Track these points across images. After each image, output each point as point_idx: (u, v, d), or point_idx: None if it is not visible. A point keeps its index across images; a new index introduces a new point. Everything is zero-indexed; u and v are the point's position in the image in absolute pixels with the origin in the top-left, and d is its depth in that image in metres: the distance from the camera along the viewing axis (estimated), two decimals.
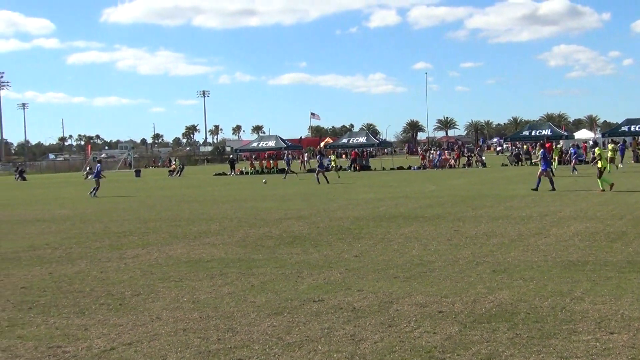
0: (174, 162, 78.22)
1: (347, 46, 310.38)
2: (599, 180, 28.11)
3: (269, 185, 43.61)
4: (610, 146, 45.07)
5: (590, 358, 7.13)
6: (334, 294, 10.46)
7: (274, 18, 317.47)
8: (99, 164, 40.24)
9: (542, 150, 31.88)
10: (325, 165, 40.79)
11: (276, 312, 9.43)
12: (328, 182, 42.02)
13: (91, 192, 37.47)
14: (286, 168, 57.29)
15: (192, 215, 24.27)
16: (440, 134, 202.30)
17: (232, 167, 69.39)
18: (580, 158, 55.41)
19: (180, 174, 70.61)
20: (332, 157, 62.37)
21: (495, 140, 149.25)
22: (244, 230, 19.05)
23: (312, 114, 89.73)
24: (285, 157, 61.39)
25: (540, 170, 29.93)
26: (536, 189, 28.67)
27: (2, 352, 7.99)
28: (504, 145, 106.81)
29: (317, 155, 51.15)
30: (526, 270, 11.79)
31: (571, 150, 52.54)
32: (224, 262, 13.74)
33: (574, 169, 43.05)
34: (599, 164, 28.89)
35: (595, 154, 30.33)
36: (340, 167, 62.66)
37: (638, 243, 14.16)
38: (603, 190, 27.50)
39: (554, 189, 28.53)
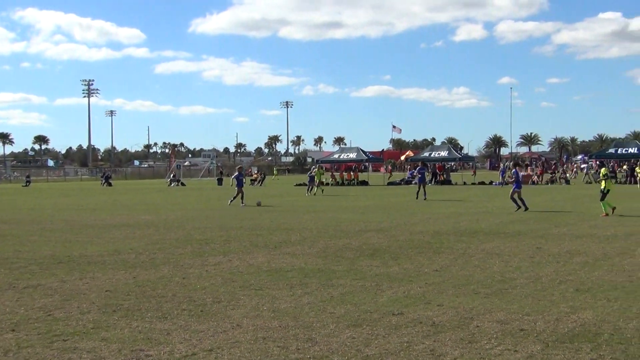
0: (255, 172, 79.03)
1: (432, 59, 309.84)
2: (601, 203, 26.50)
3: (348, 197, 43.59)
4: (603, 170, 39.00)
5: None
6: (414, 307, 10.42)
7: (360, 31, 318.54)
8: (237, 172, 37.81)
9: (514, 169, 31.03)
10: (427, 179, 32.41)
11: (355, 324, 9.43)
12: (425, 198, 39.01)
13: (233, 201, 36.32)
14: (309, 184, 49.84)
15: (272, 224, 24.47)
16: (524, 149, 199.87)
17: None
18: None
19: (262, 183, 71.29)
20: (315, 170, 51.86)
21: (579, 157, 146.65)
22: (324, 241, 19.12)
23: (394, 126, 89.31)
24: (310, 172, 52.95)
25: (512, 189, 29.83)
26: (523, 208, 28.89)
27: (88, 353, 8.17)
28: (589, 163, 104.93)
29: (417, 169, 44.76)
30: (610, 290, 11.55)
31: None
32: (304, 272, 13.81)
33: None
34: (602, 185, 27.10)
35: (601, 175, 28.71)
36: (326, 182, 55.71)
37: None
38: (607, 214, 25.86)
39: (519, 208, 28.92)
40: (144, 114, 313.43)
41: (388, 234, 20.70)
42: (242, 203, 35.58)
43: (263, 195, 47.80)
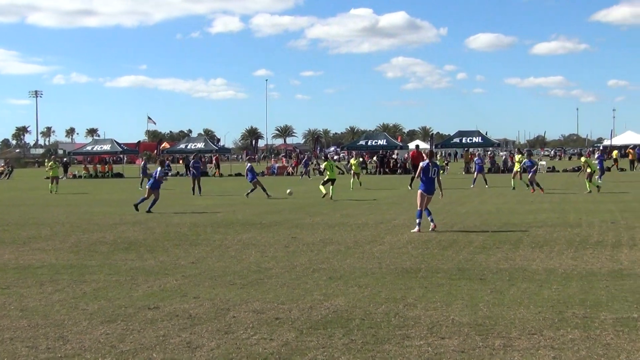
0: (2, 165, 75.21)
1: (188, 50, 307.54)
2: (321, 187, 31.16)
3: (103, 190, 42.51)
4: (517, 157, 39.40)
5: None
6: (170, 301, 10.29)
7: (115, 19, 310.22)
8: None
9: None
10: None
11: (109, 320, 9.18)
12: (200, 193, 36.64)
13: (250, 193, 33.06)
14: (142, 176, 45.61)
15: (21, 219, 23.38)
16: (279, 141, 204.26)
17: (65, 171, 67.56)
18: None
19: (9, 176, 67.98)
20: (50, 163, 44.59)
21: (332, 149, 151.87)
22: (77, 235, 18.51)
23: (149, 118, 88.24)
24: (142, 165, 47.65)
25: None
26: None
27: None
28: (341, 154, 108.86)
29: (191, 162, 40.73)
30: (361, 277, 11.98)
31: (476, 160, 45.10)
32: (55, 269, 13.27)
33: (485, 180, 39.68)
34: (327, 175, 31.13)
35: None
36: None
37: (468, 251, 14.67)
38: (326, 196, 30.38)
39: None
40: None
41: (144, 226, 20.38)
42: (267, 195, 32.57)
43: (13, 189, 45.65)
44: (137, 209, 25.23)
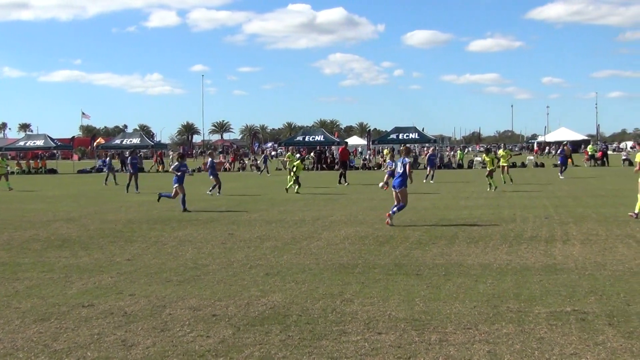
0: None
1: (124, 45, 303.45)
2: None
3: (37, 187, 41.74)
4: (501, 152, 39.15)
5: (359, 358, 7.32)
6: (105, 298, 10.17)
7: (49, 13, 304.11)
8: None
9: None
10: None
11: (43, 318, 9.02)
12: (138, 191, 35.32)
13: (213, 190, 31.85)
14: (107, 172, 44.93)
15: None
16: (216, 137, 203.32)
17: None
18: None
19: None
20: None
21: (269, 144, 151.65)
22: (9, 232, 18.17)
23: (83, 113, 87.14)
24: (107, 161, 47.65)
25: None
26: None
27: None
28: (279, 150, 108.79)
29: (129, 157, 38.85)
30: (298, 273, 11.98)
31: (430, 155, 42.88)
32: None
33: (429, 175, 39.68)
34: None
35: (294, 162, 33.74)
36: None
37: (404, 246, 14.77)
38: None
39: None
40: None
41: (78, 223, 20.10)
42: (210, 192, 31.84)
43: None
44: (158, 200, 25.95)
